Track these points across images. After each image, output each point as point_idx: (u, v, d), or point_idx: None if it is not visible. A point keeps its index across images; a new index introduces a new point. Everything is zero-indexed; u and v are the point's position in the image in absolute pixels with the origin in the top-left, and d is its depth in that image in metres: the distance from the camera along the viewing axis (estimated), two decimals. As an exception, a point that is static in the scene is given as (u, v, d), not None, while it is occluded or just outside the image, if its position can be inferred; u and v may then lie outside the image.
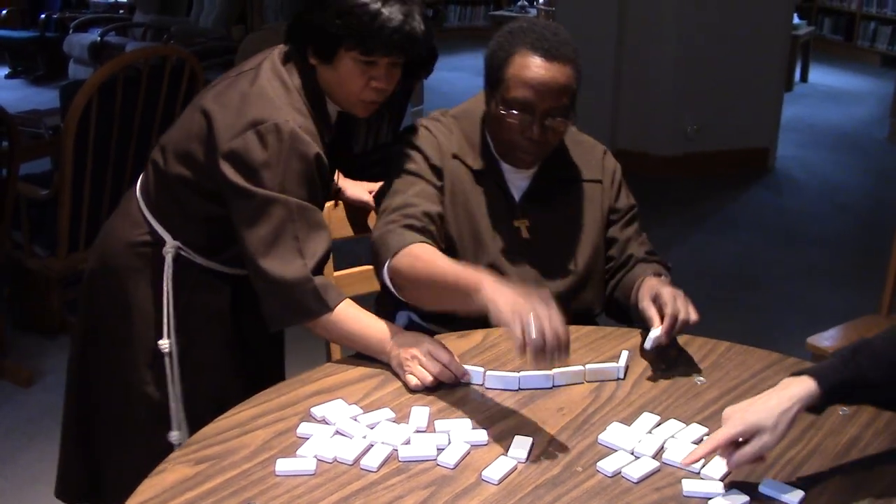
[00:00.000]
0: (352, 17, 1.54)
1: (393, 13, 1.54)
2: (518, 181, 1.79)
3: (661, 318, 1.57)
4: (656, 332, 1.55)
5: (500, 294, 1.36)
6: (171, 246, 1.71)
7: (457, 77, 8.41)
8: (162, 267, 1.71)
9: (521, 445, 1.34)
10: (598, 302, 1.83)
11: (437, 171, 1.75)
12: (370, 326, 1.58)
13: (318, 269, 1.58)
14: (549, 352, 1.30)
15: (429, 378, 1.48)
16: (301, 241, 1.56)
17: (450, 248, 1.72)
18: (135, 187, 1.79)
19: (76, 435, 1.86)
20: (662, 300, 1.58)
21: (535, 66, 1.64)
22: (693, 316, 1.57)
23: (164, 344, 1.72)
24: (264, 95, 1.59)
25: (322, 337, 1.63)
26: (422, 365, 1.49)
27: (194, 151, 1.64)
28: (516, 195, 1.79)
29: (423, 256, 1.56)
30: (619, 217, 1.85)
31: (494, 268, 1.71)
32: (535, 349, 1.29)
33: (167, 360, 1.73)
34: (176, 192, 1.69)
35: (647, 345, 1.55)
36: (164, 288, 1.71)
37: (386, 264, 1.60)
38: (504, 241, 1.75)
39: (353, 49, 1.56)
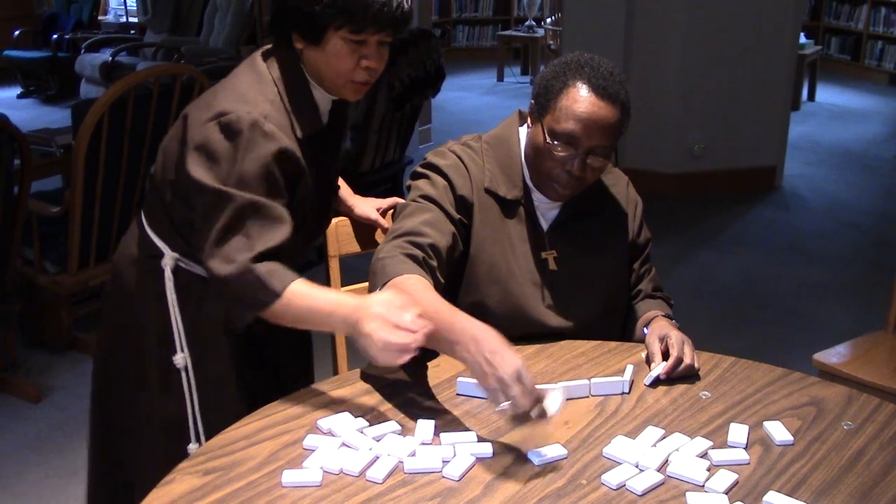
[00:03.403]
0: None
1: None
2: (546, 211, 1.79)
3: (664, 356, 1.64)
4: (659, 369, 1.61)
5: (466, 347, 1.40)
6: (169, 258, 1.69)
7: (464, 96, 8.46)
8: (164, 280, 1.70)
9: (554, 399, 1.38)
10: (617, 332, 1.86)
11: (464, 203, 1.73)
12: (328, 301, 1.48)
13: (265, 258, 1.51)
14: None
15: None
16: (251, 237, 1.52)
17: (487, 279, 1.73)
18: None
19: (102, 453, 1.86)
20: (671, 342, 1.65)
21: (587, 102, 1.63)
22: (696, 365, 1.64)
23: (179, 359, 1.71)
24: (232, 88, 1.61)
25: (283, 324, 1.53)
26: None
27: (174, 153, 1.65)
28: (544, 225, 1.79)
29: (407, 290, 1.50)
30: (637, 252, 1.88)
31: (524, 298, 1.74)
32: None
33: (183, 374, 1.72)
34: (164, 199, 1.68)
35: (647, 381, 1.61)
36: (169, 301, 1.70)
37: (376, 292, 1.56)
38: (532, 273, 1.76)
39: (343, 28, 1.54)
